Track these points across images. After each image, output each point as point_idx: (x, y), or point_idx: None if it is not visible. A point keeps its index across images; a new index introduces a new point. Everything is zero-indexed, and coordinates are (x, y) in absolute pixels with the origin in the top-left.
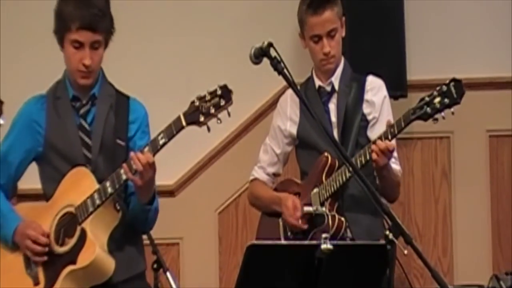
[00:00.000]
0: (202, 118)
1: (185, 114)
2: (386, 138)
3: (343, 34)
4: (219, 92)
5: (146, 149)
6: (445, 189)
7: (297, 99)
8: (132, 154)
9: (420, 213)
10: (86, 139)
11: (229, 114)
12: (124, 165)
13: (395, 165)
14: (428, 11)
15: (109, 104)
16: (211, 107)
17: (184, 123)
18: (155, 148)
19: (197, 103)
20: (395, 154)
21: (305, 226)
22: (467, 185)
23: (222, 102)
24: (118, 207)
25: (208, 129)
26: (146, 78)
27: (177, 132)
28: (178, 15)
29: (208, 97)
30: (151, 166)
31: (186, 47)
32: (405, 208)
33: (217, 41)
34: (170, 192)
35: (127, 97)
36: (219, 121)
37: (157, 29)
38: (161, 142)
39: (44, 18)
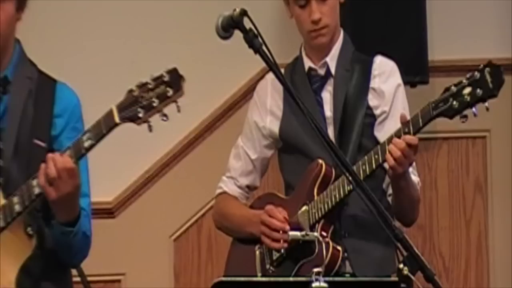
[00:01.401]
0: (141, 113)
1: (119, 107)
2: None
3: None
4: (166, 78)
5: (67, 153)
6: (480, 207)
7: (280, 86)
8: (48, 155)
9: (446, 240)
10: None
11: (178, 109)
12: (42, 168)
13: (412, 176)
14: None
15: (27, 90)
16: (154, 99)
17: (117, 119)
18: (78, 152)
19: (136, 93)
20: None
21: (287, 228)
22: (509, 203)
23: (169, 92)
24: (31, 232)
25: (150, 128)
26: (79, 58)
27: (108, 131)
28: None
29: (151, 85)
30: (70, 174)
31: (131, 17)
32: (426, 234)
33: (172, 8)
34: (108, 212)
35: (54, 81)
36: (164, 118)
37: None
38: (86, 144)
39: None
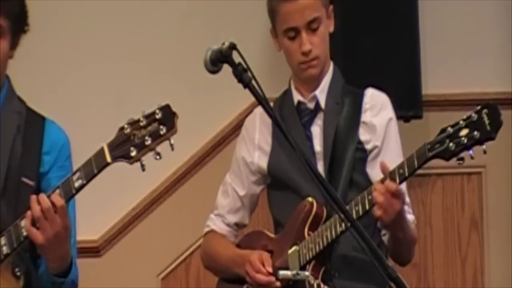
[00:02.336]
0: (133, 152)
1: (110, 146)
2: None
3: (331, 29)
4: (158, 115)
5: (56, 192)
6: (475, 244)
7: (268, 121)
8: (32, 197)
9: (441, 279)
10: None
11: (172, 147)
12: (28, 212)
13: (407, 215)
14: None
15: (16, 125)
16: (147, 137)
17: (108, 158)
18: (69, 192)
19: (127, 131)
20: (407, 199)
21: (278, 284)
22: (505, 240)
23: (163, 130)
24: (19, 273)
25: (143, 167)
26: (68, 92)
27: (99, 170)
28: (109, 11)
29: (143, 123)
30: (61, 214)
31: (118, 51)
32: (421, 272)
33: (160, 42)
34: (94, 251)
35: (43, 119)
36: (158, 157)
37: (80, 28)
38: (76, 184)
39: None
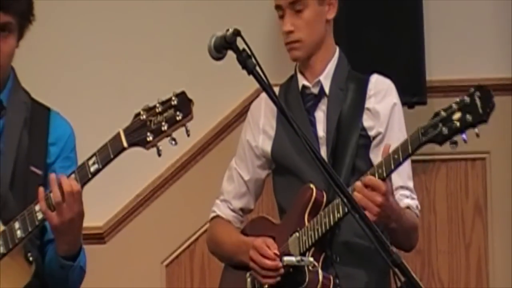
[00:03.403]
0: (150, 137)
1: (126, 131)
2: (380, 177)
3: (329, 16)
4: (174, 102)
5: (72, 177)
6: (479, 231)
7: (273, 105)
8: (52, 176)
9: (445, 265)
10: None
11: (187, 133)
12: (41, 194)
13: (409, 200)
14: None
15: (23, 117)
16: (163, 123)
17: (125, 143)
18: (85, 177)
19: (143, 117)
20: (410, 184)
21: (282, 270)
22: (509, 225)
23: (179, 116)
24: (31, 258)
25: (159, 152)
26: (70, 84)
27: (116, 155)
28: (112, 1)
29: (159, 109)
30: (76, 199)
31: (122, 38)
32: (425, 258)
33: (164, 29)
34: (99, 237)
35: (48, 110)
36: (173, 142)
37: (84, 20)
38: (92, 169)
39: None
